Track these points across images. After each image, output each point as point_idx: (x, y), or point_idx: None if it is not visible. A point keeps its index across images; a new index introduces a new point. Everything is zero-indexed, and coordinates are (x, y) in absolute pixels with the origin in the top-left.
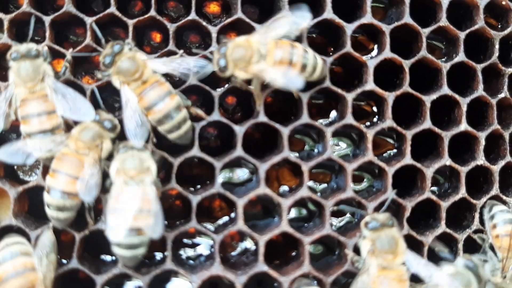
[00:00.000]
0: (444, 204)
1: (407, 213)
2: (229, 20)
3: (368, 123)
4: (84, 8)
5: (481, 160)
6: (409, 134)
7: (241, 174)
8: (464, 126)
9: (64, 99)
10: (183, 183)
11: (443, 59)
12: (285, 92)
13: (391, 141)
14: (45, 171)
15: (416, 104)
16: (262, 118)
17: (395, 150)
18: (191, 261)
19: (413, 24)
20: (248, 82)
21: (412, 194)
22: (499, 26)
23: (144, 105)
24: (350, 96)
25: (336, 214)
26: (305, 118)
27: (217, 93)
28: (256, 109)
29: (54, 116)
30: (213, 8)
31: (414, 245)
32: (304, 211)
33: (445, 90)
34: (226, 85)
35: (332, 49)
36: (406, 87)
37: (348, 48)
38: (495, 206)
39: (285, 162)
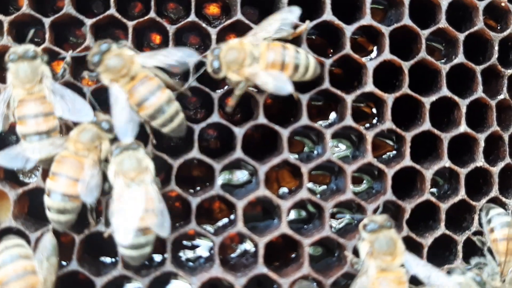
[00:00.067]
0: (444, 206)
1: (407, 215)
2: (228, 21)
3: (367, 125)
4: (84, 10)
5: (480, 161)
6: (408, 135)
7: (241, 176)
8: (463, 127)
9: (63, 100)
10: (183, 184)
11: (443, 61)
12: None
13: (390, 142)
14: (45, 173)
15: (416, 106)
16: (262, 119)
17: (394, 152)
18: (190, 263)
19: (413, 25)
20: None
21: (412, 195)
22: (499, 28)
23: (135, 101)
24: (349, 98)
25: (336, 216)
26: (304, 120)
27: (217, 94)
28: (227, 109)
29: (50, 118)
30: (213, 9)
31: (413, 246)
32: (303, 213)
33: (445, 91)
34: (226, 87)
35: (331, 50)
36: (405, 89)
37: (347, 49)
38: (492, 209)
39: (285, 163)
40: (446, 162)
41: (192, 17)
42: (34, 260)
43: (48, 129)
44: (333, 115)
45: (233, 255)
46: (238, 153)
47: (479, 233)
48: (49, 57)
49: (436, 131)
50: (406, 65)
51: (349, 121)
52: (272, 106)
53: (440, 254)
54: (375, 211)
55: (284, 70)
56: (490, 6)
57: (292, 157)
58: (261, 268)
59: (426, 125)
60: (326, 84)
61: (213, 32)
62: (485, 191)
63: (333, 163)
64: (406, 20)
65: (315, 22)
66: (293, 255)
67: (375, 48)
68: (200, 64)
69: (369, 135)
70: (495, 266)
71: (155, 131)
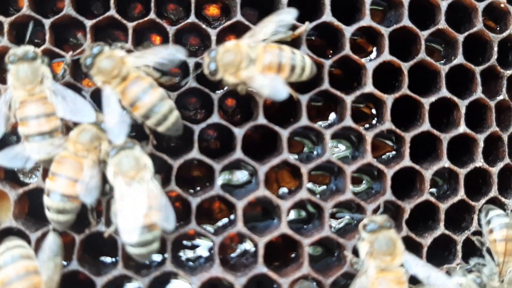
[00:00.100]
0: (443, 206)
1: (406, 215)
2: (228, 22)
3: (367, 125)
4: (84, 11)
5: (479, 162)
6: (408, 136)
7: (241, 176)
8: (462, 128)
9: (64, 101)
10: (183, 185)
11: (442, 62)
12: None
13: (390, 143)
14: (45, 173)
15: (415, 107)
16: (262, 120)
17: (394, 152)
18: (190, 263)
19: (412, 26)
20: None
21: (411, 196)
22: (498, 29)
23: (128, 101)
24: (349, 99)
25: (335, 216)
26: (304, 121)
27: (216, 95)
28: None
29: (52, 118)
30: (213, 10)
31: (413, 246)
32: (303, 213)
33: (444, 92)
34: (226, 87)
35: (331, 51)
36: (405, 90)
37: (347, 50)
38: (492, 210)
39: (285, 164)
40: (445, 163)
41: (192, 18)
42: (36, 260)
43: (50, 129)
44: (332, 116)
45: (233, 255)
46: (238, 154)
47: (478, 233)
48: (49, 58)
49: (435, 132)
50: (405, 66)
51: (348, 121)
52: (271, 107)
53: (440, 254)
54: (375, 211)
55: (280, 72)
56: (490, 7)
57: (292, 158)
58: (261, 268)
59: (426, 126)
60: (326, 85)
61: (213, 33)
62: (485, 192)
63: (333, 164)
64: (406, 21)
65: (314, 23)
66: (293, 255)
67: (374, 49)
68: (198, 65)
69: (369, 136)
70: (494, 266)
71: (155, 132)
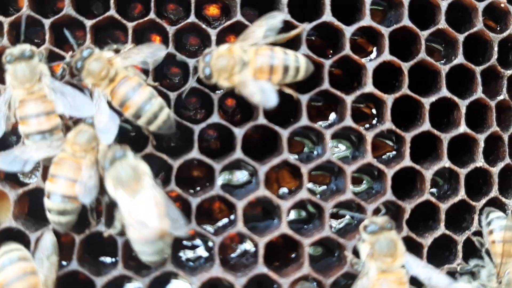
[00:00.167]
0: (444, 206)
1: (407, 215)
2: (228, 22)
3: (367, 125)
4: (84, 11)
5: (480, 162)
6: (408, 136)
7: (241, 176)
8: (463, 128)
9: (63, 97)
10: (183, 185)
11: (442, 62)
12: (285, 94)
13: (390, 143)
14: (45, 173)
15: (415, 106)
16: (262, 120)
17: (394, 152)
18: (190, 263)
19: (412, 26)
20: None
21: (412, 196)
22: (498, 29)
23: (118, 101)
24: (349, 99)
25: (336, 216)
26: (304, 120)
27: (216, 95)
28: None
29: (52, 116)
30: (213, 10)
31: (413, 247)
32: (303, 213)
33: (444, 92)
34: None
35: (331, 51)
36: (405, 90)
37: (347, 50)
38: (492, 212)
39: (285, 164)
40: (446, 163)
41: (192, 18)
42: (34, 261)
43: (50, 127)
44: (332, 116)
45: (233, 255)
46: (238, 154)
47: (478, 233)
48: (49, 58)
49: (436, 132)
50: (405, 66)
51: (348, 121)
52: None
53: (440, 254)
54: (376, 212)
55: (273, 74)
56: (490, 7)
57: (292, 158)
58: (261, 268)
59: (426, 126)
60: (326, 85)
61: (213, 33)
62: (485, 192)
63: (333, 164)
64: (406, 21)
65: (314, 23)
66: (293, 255)
67: (374, 49)
68: (196, 68)
69: (369, 136)
70: (492, 267)
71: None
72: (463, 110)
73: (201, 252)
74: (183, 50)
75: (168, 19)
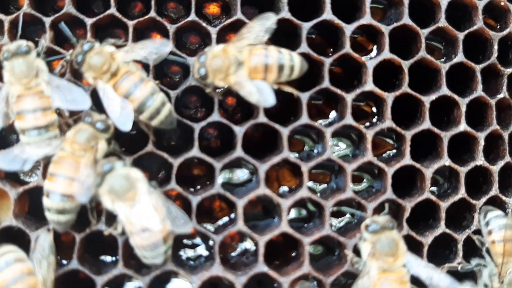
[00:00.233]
0: (444, 205)
1: (407, 214)
2: (228, 21)
3: (367, 124)
4: (84, 9)
5: (480, 160)
6: (408, 134)
7: (241, 174)
8: (463, 126)
9: (60, 91)
10: (183, 183)
11: (442, 60)
12: (285, 92)
13: (390, 141)
14: (46, 171)
15: (416, 105)
16: (262, 118)
17: (394, 151)
18: (191, 262)
19: (412, 25)
20: None
21: (412, 194)
22: (498, 27)
23: (120, 96)
24: (349, 97)
25: (336, 214)
26: (304, 119)
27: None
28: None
29: (49, 112)
30: (213, 9)
31: (414, 245)
32: (304, 212)
33: (444, 90)
34: (226, 85)
35: (331, 49)
36: (405, 88)
37: (347, 49)
38: (490, 211)
39: (285, 162)
40: (446, 161)
41: (192, 17)
42: (31, 261)
43: (46, 123)
44: (333, 114)
45: (233, 254)
46: (239, 152)
47: (479, 232)
48: (50, 56)
49: (436, 130)
50: (406, 64)
51: (349, 120)
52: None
53: (440, 253)
54: (377, 211)
55: (268, 73)
56: (490, 5)
57: (292, 156)
58: (261, 267)
59: (426, 124)
60: (326, 83)
61: (213, 31)
62: (485, 190)
63: (333, 162)
64: (406, 19)
65: (315, 21)
66: (293, 254)
67: (375, 47)
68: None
69: (369, 134)
70: (494, 267)
71: (155, 130)
72: (463, 109)
73: (202, 251)
74: (183, 48)
75: (168, 17)
